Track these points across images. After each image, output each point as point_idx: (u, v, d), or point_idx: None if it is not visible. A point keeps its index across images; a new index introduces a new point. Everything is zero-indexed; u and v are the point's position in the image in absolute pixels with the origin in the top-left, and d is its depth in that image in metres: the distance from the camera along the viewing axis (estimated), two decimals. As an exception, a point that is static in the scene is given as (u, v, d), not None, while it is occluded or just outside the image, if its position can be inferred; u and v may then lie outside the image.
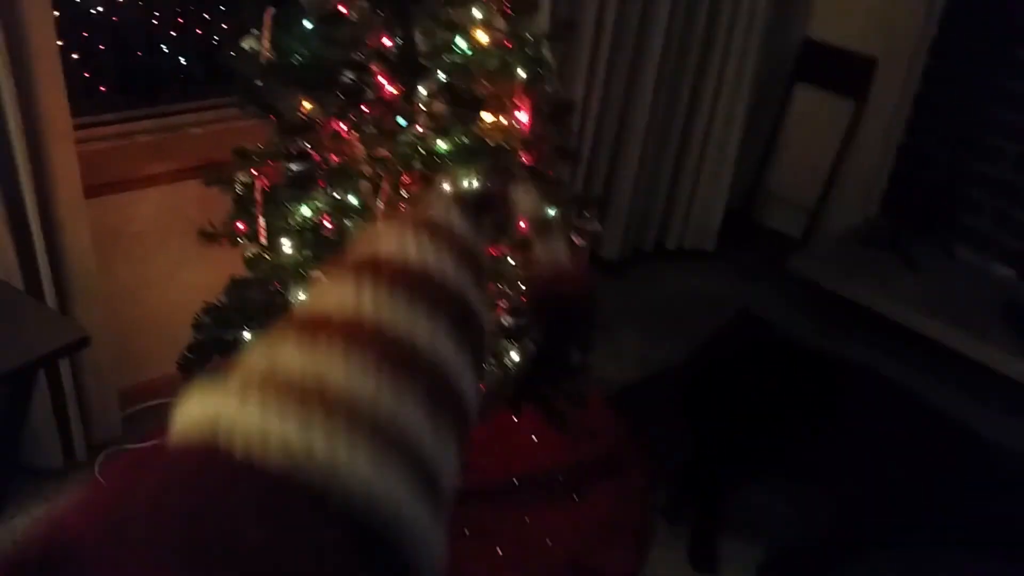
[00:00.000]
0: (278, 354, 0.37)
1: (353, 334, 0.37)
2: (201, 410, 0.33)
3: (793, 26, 3.30)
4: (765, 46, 3.14)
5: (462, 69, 1.64)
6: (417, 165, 1.61)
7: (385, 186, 1.62)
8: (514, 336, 1.80)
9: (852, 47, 3.18)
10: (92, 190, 2.04)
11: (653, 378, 2.57)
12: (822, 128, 3.33)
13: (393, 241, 0.44)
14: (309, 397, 0.34)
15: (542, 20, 1.75)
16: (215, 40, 2.85)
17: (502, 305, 1.77)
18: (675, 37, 2.94)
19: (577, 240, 1.94)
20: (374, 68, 1.60)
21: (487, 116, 1.69)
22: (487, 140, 1.68)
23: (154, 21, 2.74)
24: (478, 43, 1.64)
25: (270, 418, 0.32)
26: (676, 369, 2.59)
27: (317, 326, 0.38)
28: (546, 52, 1.78)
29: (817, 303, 2.88)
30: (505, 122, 1.71)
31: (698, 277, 3.23)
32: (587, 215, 1.98)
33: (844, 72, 3.23)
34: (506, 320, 1.78)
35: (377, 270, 0.41)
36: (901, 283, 2.77)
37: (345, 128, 1.63)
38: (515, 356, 1.86)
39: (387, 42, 1.61)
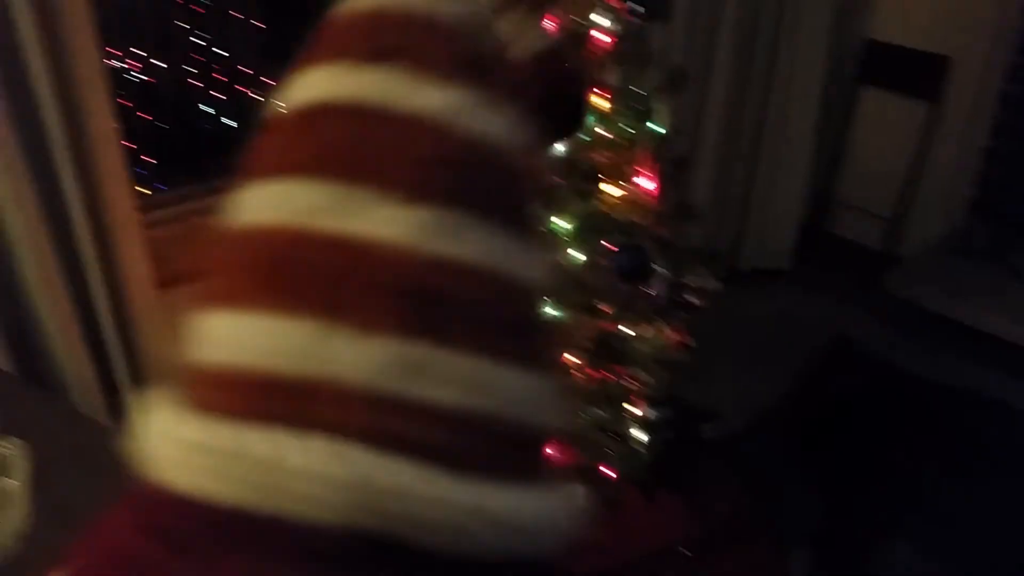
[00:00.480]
0: None
1: None
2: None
3: (854, 28, 3.13)
4: (829, 50, 2.98)
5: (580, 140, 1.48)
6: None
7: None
8: (649, 425, 1.65)
9: (920, 47, 3.01)
10: (164, 281, 1.89)
11: (760, 424, 2.41)
12: (893, 132, 3.16)
13: None
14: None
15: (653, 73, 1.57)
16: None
17: (636, 391, 1.62)
18: (741, 51, 2.79)
19: (696, 302, 1.79)
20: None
21: (608, 188, 1.53)
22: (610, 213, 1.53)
23: (200, 83, 2.59)
24: (598, 109, 1.48)
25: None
26: (782, 412, 2.43)
27: None
28: (660, 106, 1.62)
29: (919, 325, 2.71)
30: (627, 192, 1.55)
31: (778, 300, 3.07)
32: (705, 271, 1.82)
33: (913, 73, 3.06)
34: (641, 409, 1.63)
35: None
36: (1013, 297, 2.60)
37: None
38: (646, 437, 1.71)
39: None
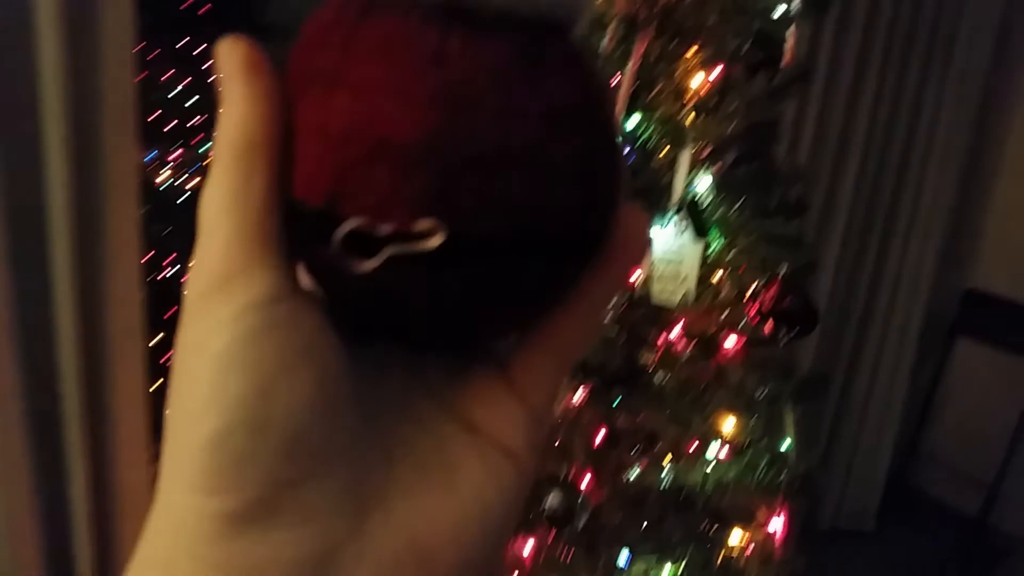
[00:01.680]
0: None
1: None
2: None
3: (954, 274, 2.93)
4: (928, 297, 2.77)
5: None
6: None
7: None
8: None
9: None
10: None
11: None
12: (991, 388, 2.89)
13: None
14: None
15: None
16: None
17: None
18: (839, 289, 2.58)
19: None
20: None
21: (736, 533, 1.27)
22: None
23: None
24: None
25: None
26: None
27: None
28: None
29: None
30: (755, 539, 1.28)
31: (864, 570, 2.72)
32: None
33: (1018, 329, 2.82)
34: None
35: None
36: None
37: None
38: None
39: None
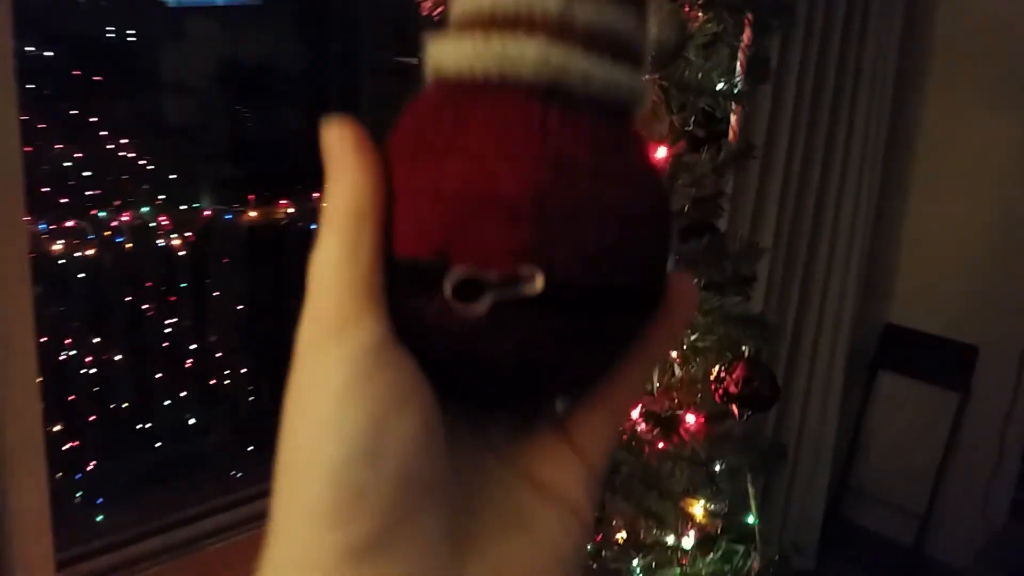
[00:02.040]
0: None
1: None
2: (434, 52, 0.27)
3: (873, 311, 3.00)
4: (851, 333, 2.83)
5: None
6: None
7: None
8: None
9: (943, 334, 2.87)
10: None
11: None
12: (915, 420, 2.97)
13: None
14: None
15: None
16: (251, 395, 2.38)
17: None
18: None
19: None
20: None
21: None
22: None
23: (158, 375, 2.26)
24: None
25: (507, 45, 0.25)
26: None
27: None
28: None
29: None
30: None
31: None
32: None
33: (937, 361, 2.90)
34: None
35: None
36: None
37: None
38: None
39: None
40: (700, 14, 1.05)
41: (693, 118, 1.12)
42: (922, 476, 2.93)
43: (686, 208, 1.10)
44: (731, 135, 1.14)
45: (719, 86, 1.10)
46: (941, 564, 2.90)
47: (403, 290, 0.25)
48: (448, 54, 0.26)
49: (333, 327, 0.25)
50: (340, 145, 0.26)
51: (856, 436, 3.09)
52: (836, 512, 3.10)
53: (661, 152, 1.14)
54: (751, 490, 1.37)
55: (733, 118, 1.13)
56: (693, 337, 1.15)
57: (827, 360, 2.79)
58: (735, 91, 1.10)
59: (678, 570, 1.18)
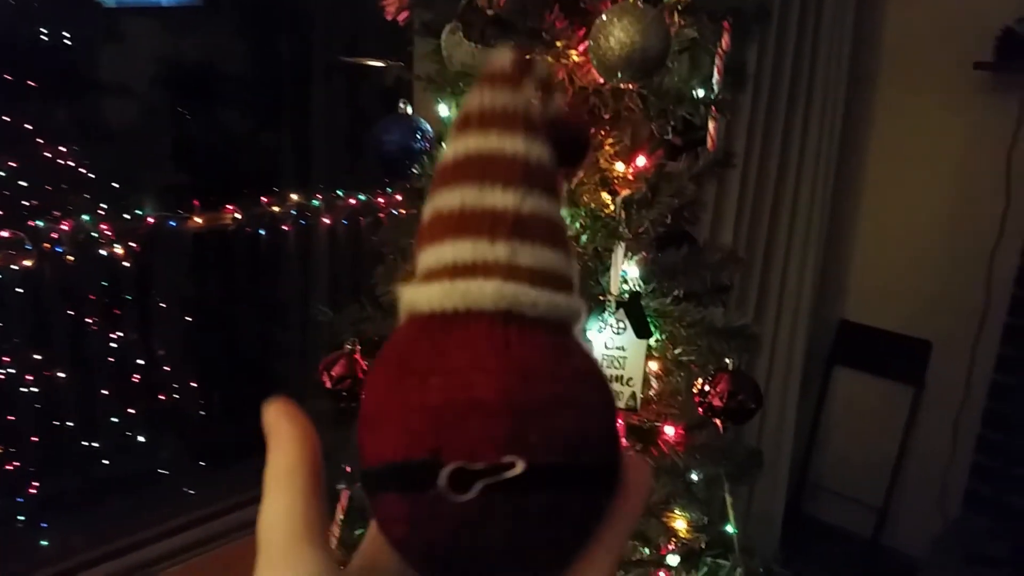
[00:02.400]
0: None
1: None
2: (403, 298, 0.33)
3: (829, 307, 3.03)
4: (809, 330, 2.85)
5: None
6: None
7: None
8: None
9: (896, 329, 2.91)
10: None
11: None
12: (871, 414, 3.01)
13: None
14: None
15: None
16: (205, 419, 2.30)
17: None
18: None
19: None
20: None
21: None
22: None
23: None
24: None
25: (471, 286, 0.31)
26: None
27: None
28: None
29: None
30: None
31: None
32: None
33: (893, 356, 2.94)
34: None
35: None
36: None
37: None
38: None
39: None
40: (679, 20, 1.02)
41: (671, 126, 1.09)
42: (879, 469, 2.97)
43: (668, 219, 1.07)
44: (709, 143, 1.12)
45: (699, 93, 1.08)
46: (899, 555, 2.95)
47: (397, 488, 0.29)
48: (422, 296, 0.31)
49: (279, 568, 0.29)
50: (274, 418, 0.31)
51: (814, 432, 3.12)
52: (795, 507, 3.13)
53: (640, 161, 1.11)
54: (728, 499, 1.35)
55: (712, 126, 1.11)
56: (677, 351, 1.12)
57: (785, 357, 2.81)
58: (713, 98, 1.07)
59: (665, 589, 1.15)
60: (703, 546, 1.24)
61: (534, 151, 0.32)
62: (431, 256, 0.32)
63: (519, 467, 0.27)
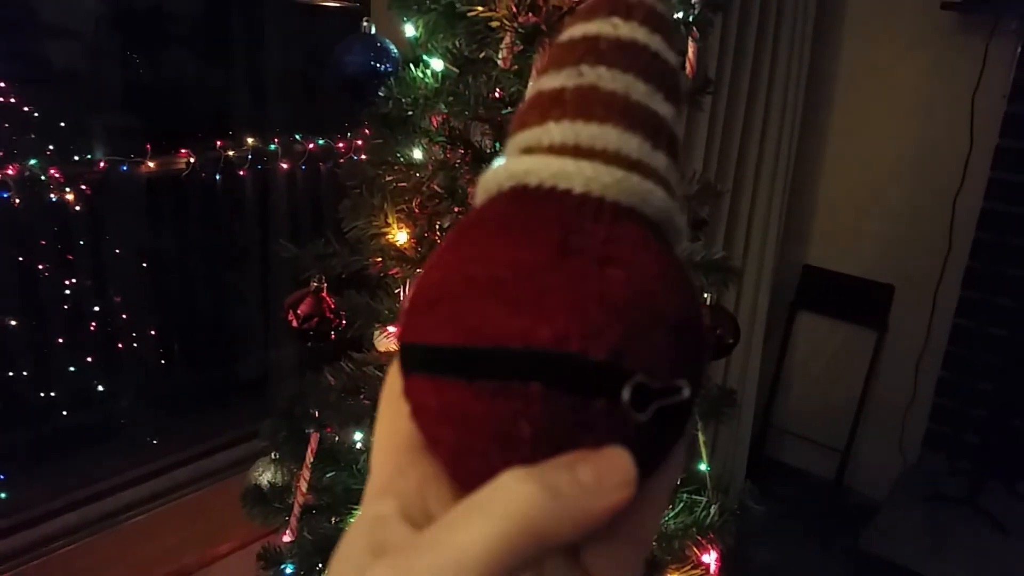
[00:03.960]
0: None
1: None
2: (494, 173, 0.29)
3: (792, 252, 3.04)
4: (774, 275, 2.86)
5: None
6: None
7: None
8: None
9: (859, 274, 2.93)
10: None
11: None
12: (836, 360, 3.04)
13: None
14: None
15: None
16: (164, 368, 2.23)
17: None
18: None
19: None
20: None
21: None
22: None
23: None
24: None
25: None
26: None
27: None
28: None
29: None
30: None
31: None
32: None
33: (856, 300, 2.96)
34: None
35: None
36: (995, 552, 2.43)
37: None
38: None
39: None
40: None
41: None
42: (841, 412, 3.01)
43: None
44: (688, 69, 1.08)
45: (677, 15, 1.04)
46: (860, 495, 3.01)
47: (560, 383, 0.24)
48: (580, 172, 0.27)
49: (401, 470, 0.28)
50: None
51: (777, 376, 3.15)
52: (759, 450, 3.17)
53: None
54: (701, 437, 1.34)
55: (690, 51, 1.07)
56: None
57: (751, 301, 2.81)
58: (693, 19, 1.03)
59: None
60: (679, 483, 1.23)
61: (670, 54, 0.29)
62: (581, 132, 0.28)
63: (686, 392, 0.25)
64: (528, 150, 0.28)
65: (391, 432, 0.29)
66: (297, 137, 2.40)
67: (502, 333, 0.24)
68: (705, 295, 1.12)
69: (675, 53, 0.29)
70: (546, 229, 0.26)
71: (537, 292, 0.25)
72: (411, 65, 1.03)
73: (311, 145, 2.41)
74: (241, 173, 2.33)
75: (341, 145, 2.44)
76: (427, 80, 1.01)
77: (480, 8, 0.97)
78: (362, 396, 1.11)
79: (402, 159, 1.06)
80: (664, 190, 0.27)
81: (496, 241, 0.26)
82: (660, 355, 0.25)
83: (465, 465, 0.26)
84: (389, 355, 1.11)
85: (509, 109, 1.01)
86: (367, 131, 1.24)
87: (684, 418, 0.27)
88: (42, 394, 2.09)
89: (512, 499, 0.23)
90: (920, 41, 2.70)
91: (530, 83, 0.98)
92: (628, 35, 0.28)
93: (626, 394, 0.24)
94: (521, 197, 0.27)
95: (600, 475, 0.24)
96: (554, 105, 0.28)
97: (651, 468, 0.27)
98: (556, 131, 0.28)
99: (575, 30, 0.29)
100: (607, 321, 0.24)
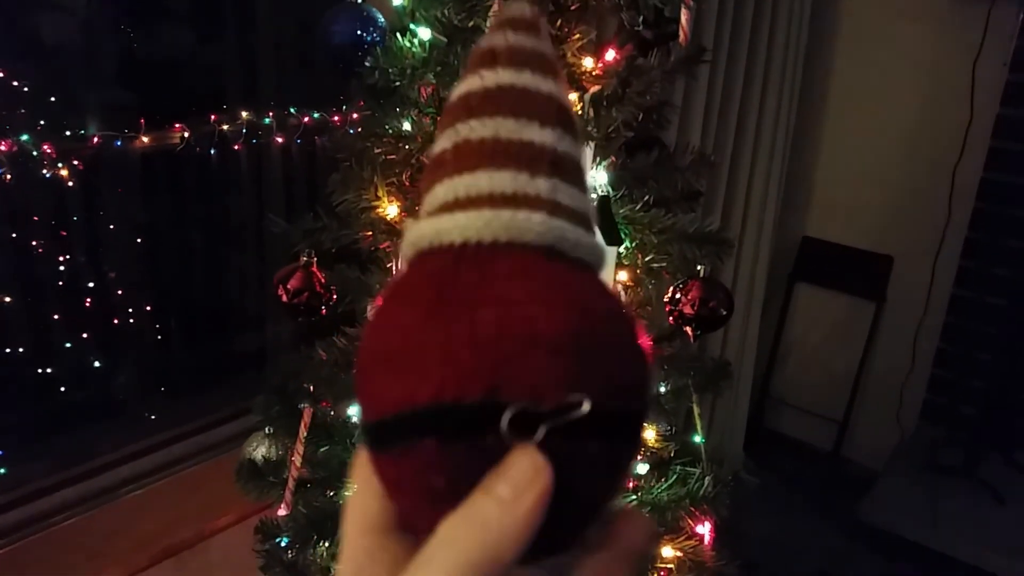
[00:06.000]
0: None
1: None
2: (415, 231, 0.30)
3: (791, 223, 3.02)
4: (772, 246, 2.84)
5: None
6: None
7: None
8: None
9: (858, 245, 2.92)
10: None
11: None
12: (834, 331, 3.03)
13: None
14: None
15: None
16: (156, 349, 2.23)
17: None
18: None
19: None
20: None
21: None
22: None
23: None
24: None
25: (516, 216, 0.29)
26: None
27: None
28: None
29: (897, 555, 2.50)
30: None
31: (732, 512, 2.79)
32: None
33: (854, 272, 2.95)
34: None
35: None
36: (993, 523, 2.44)
37: None
38: None
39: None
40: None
41: (642, 18, 1.03)
42: (840, 384, 3.01)
43: (639, 118, 1.02)
44: (681, 36, 1.06)
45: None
46: (858, 466, 3.02)
47: (441, 434, 0.26)
48: (452, 225, 0.28)
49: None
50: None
51: (776, 347, 3.14)
52: (757, 421, 3.17)
53: (610, 55, 1.05)
54: (696, 410, 1.34)
55: (684, 18, 1.05)
56: (647, 258, 1.08)
57: (749, 272, 2.80)
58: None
59: (633, 496, 1.14)
60: (672, 455, 1.22)
61: (564, 95, 0.31)
62: (458, 186, 0.29)
63: (586, 407, 0.25)
64: (428, 215, 0.30)
65: (361, 507, 0.30)
66: (292, 111, 2.38)
67: (395, 400, 0.26)
68: (699, 267, 1.11)
69: (552, 75, 0.30)
70: (424, 288, 0.27)
71: (416, 352, 0.26)
72: (398, 34, 1.01)
73: (306, 118, 2.39)
74: (236, 147, 2.31)
75: (336, 118, 2.42)
76: (415, 50, 1.00)
77: (469, -24, 0.96)
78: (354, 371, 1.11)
79: (391, 131, 1.05)
80: (546, 213, 0.28)
81: (392, 310, 0.28)
82: (545, 377, 0.25)
83: (415, 525, 0.28)
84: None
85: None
86: (362, 103, 1.23)
87: (622, 428, 0.27)
88: (39, 370, 2.09)
89: (451, 548, 0.25)
90: (921, 9, 2.67)
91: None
92: (493, 83, 0.30)
93: (504, 425, 0.25)
94: (416, 262, 0.29)
95: (514, 482, 0.25)
96: (439, 168, 0.30)
97: (612, 487, 0.28)
98: (440, 191, 0.29)
99: (455, 92, 0.31)
100: (478, 362, 0.25)
